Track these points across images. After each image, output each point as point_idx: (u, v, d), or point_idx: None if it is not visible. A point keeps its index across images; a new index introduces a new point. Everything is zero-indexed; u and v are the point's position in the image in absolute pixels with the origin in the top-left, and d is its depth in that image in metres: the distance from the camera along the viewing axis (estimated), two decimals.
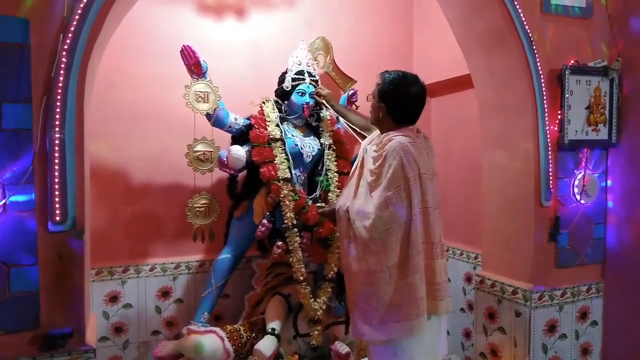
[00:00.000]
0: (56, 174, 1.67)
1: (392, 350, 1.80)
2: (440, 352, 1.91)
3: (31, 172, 1.66)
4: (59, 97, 1.67)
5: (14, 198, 1.65)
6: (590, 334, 2.55)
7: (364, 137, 2.30)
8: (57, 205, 1.68)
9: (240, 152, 2.52)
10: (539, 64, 2.35)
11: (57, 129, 1.67)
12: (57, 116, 1.67)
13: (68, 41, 1.68)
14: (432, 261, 1.82)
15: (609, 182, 2.56)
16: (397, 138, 1.83)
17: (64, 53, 1.68)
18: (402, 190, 1.76)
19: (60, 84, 1.67)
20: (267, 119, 2.63)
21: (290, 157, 2.60)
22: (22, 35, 1.63)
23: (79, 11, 1.70)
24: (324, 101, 2.68)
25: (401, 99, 1.91)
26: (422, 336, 1.79)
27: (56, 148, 1.67)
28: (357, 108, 2.96)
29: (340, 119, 2.70)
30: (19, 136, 1.64)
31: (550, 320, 2.42)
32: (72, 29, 1.69)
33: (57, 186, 1.67)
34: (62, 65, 1.68)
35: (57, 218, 1.68)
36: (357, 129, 2.51)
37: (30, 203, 1.67)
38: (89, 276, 2.15)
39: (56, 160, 1.67)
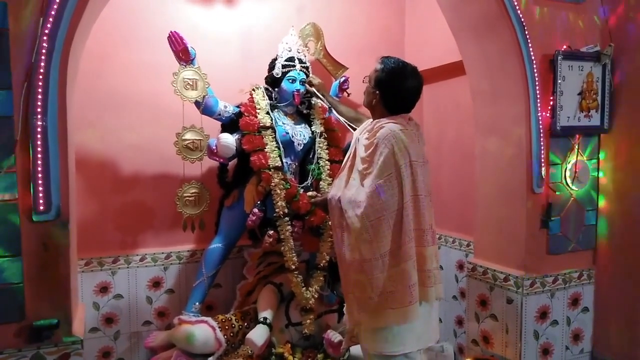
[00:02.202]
0: (39, 162, 1.63)
1: (384, 336, 1.81)
2: (431, 338, 1.91)
3: (13, 161, 1.62)
4: (40, 83, 1.62)
5: None
6: (581, 320, 2.56)
7: (355, 129, 2.27)
8: (40, 195, 1.64)
9: (229, 140, 2.48)
10: (531, 49, 2.32)
11: (39, 116, 1.62)
12: (39, 103, 1.62)
13: (49, 25, 1.63)
14: (422, 248, 1.82)
15: (600, 168, 2.56)
16: (388, 125, 1.82)
17: (45, 38, 1.63)
18: (393, 178, 1.76)
19: (41, 70, 1.63)
20: (257, 107, 2.59)
21: (281, 145, 2.57)
22: None
23: None
24: (314, 90, 2.64)
25: (397, 91, 1.88)
26: (412, 322, 1.78)
27: (38, 136, 1.63)
28: (348, 95, 2.93)
29: (332, 110, 2.67)
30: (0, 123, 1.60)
31: (541, 307, 2.43)
32: (53, 12, 1.64)
33: (40, 175, 1.63)
34: (43, 51, 1.63)
35: (41, 207, 1.65)
36: (348, 120, 2.49)
37: (13, 192, 1.62)
38: (76, 266, 2.13)
39: (39, 148, 1.63)
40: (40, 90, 1.62)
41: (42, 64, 1.63)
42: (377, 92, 1.90)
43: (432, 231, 1.87)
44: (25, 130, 1.62)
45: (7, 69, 1.59)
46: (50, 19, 1.63)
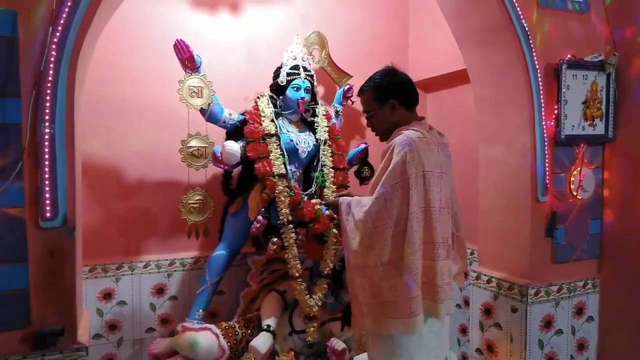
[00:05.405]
0: (46, 169, 1.64)
1: (391, 348, 1.76)
2: (441, 353, 1.87)
3: (21, 168, 1.63)
4: (48, 91, 1.64)
5: (3, 194, 1.61)
6: (586, 329, 2.55)
7: None
8: (47, 202, 1.65)
9: (234, 147, 2.49)
10: (535, 58, 2.33)
11: (47, 124, 1.64)
12: (47, 110, 1.64)
13: (58, 34, 1.65)
14: (433, 262, 1.75)
15: (605, 177, 2.55)
16: (406, 132, 1.77)
17: (54, 46, 1.64)
18: (400, 187, 1.70)
19: (50, 78, 1.64)
20: (262, 114, 2.61)
21: (285, 153, 2.57)
22: (9, 28, 1.60)
23: (69, 3, 1.66)
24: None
25: (402, 81, 1.88)
26: (422, 337, 1.75)
27: (46, 143, 1.64)
28: (352, 103, 2.95)
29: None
30: (8, 131, 1.61)
31: (546, 316, 2.42)
32: (62, 21, 1.65)
33: (47, 182, 1.64)
34: (52, 59, 1.64)
35: (48, 214, 1.65)
36: None
37: (20, 199, 1.63)
38: (81, 273, 2.13)
39: (46, 156, 1.64)
40: (48, 98, 1.64)
41: (51, 72, 1.64)
42: (391, 99, 1.85)
43: (447, 245, 1.79)
44: (33, 137, 1.64)
45: (16, 76, 1.61)
46: (60, 28, 1.65)
